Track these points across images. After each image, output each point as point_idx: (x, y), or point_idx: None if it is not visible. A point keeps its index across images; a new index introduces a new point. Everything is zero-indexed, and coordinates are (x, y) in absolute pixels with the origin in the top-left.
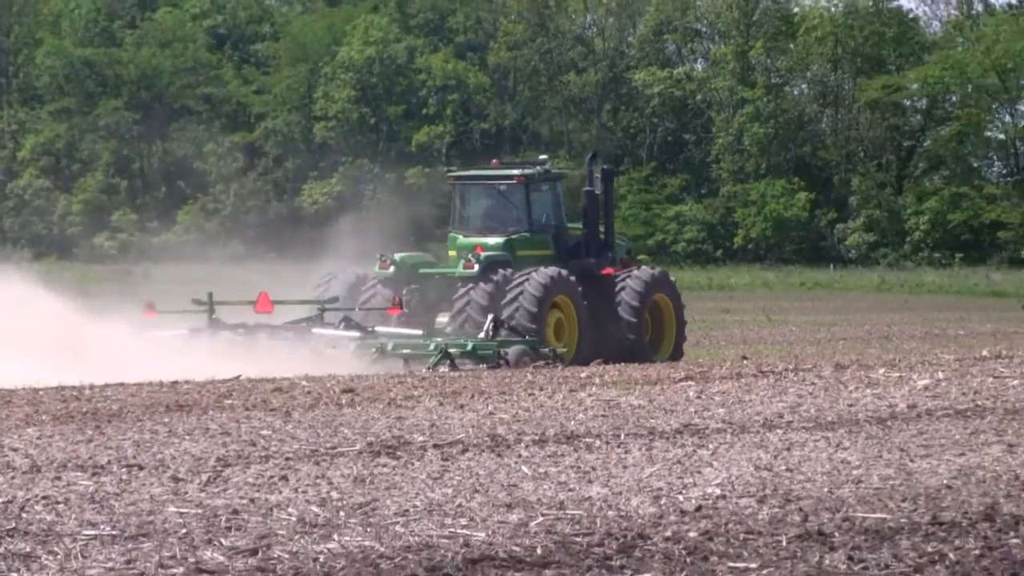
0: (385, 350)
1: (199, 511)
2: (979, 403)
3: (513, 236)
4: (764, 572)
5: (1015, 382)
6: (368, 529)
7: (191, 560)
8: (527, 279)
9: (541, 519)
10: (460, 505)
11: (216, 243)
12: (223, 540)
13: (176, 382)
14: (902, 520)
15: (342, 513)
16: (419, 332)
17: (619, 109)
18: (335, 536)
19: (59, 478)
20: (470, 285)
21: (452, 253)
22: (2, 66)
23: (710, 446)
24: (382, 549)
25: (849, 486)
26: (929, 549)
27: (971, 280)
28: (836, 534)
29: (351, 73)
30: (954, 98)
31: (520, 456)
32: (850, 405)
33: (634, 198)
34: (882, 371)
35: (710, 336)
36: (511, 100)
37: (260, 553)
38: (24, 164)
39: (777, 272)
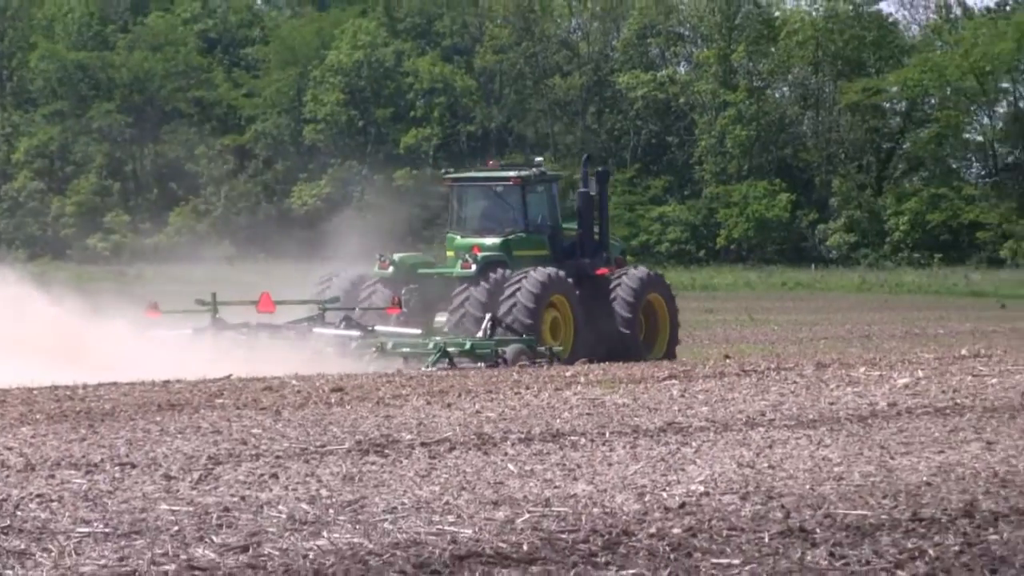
0: (385, 349)
1: (191, 509)
2: (958, 401)
3: (510, 237)
4: (747, 568)
5: (994, 380)
6: (357, 526)
7: (183, 557)
8: (524, 279)
9: (527, 516)
10: (447, 502)
11: (207, 244)
12: (214, 537)
13: (168, 381)
14: (883, 517)
15: (331, 510)
16: (418, 331)
17: (603, 112)
18: (324, 533)
19: (53, 476)
20: (468, 285)
21: (450, 253)
22: None
23: (693, 444)
24: (371, 546)
25: (830, 483)
26: (909, 545)
27: (950, 280)
28: (818, 530)
29: (340, 76)
30: (933, 100)
31: (506, 454)
32: (831, 403)
33: (618, 199)
34: (863, 370)
35: (693, 335)
36: (497, 103)
37: (251, 550)
38: (18, 166)
39: (759, 272)
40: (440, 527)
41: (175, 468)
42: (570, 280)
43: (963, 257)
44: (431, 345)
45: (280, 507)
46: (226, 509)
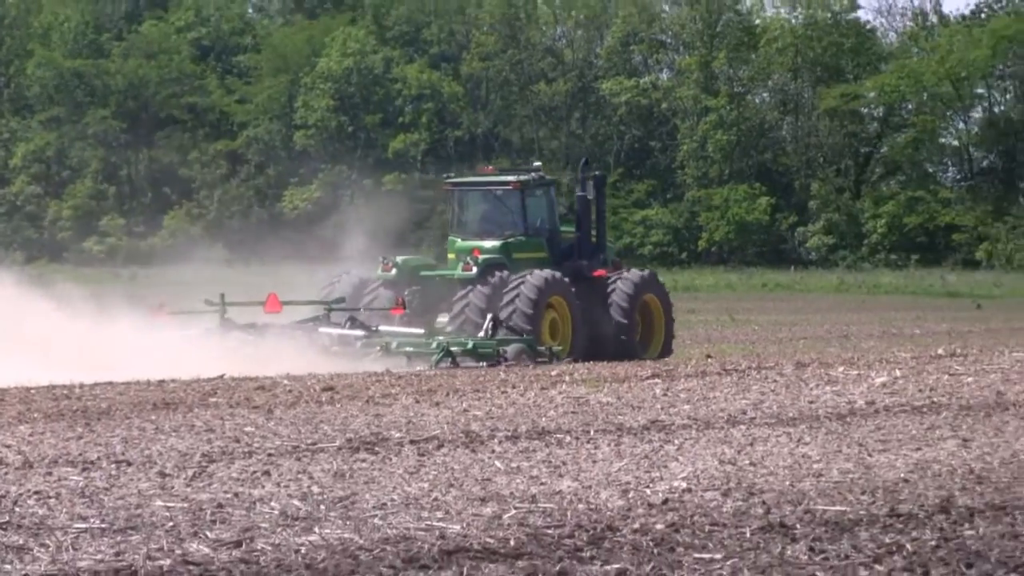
0: (389, 348)
1: (185, 505)
2: (935, 400)
3: (509, 239)
4: (728, 563)
5: (969, 379)
6: (348, 522)
7: (178, 552)
8: (523, 281)
9: (514, 512)
10: (436, 499)
11: (201, 247)
12: (208, 533)
13: (163, 381)
14: (861, 512)
15: (323, 507)
16: (421, 331)
17: (587, 117)
18: (316, 529)
19: (50, 473)
20: (469, 287)
21: (451, 256)
22: None
23: (676, 441)
24: (361, 541)
25: (810, 480)
26: (887, 540)
27: (926, 281)
28: (797, 526)
29: (330, 83)
30: (910, 106)
31: (493, 451)
32: (811, 402)
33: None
34: (841, 369)
35: (676, 336)
36: (484, 109)
37: (244, 545)
38: (16, 171)
39: (740, 274)
40: (429, 523)
41: (170, 465)
42: (568, 282)
43: (939, 259)
44: (434, 345)
45: (272, 503)
46: (220, 505)
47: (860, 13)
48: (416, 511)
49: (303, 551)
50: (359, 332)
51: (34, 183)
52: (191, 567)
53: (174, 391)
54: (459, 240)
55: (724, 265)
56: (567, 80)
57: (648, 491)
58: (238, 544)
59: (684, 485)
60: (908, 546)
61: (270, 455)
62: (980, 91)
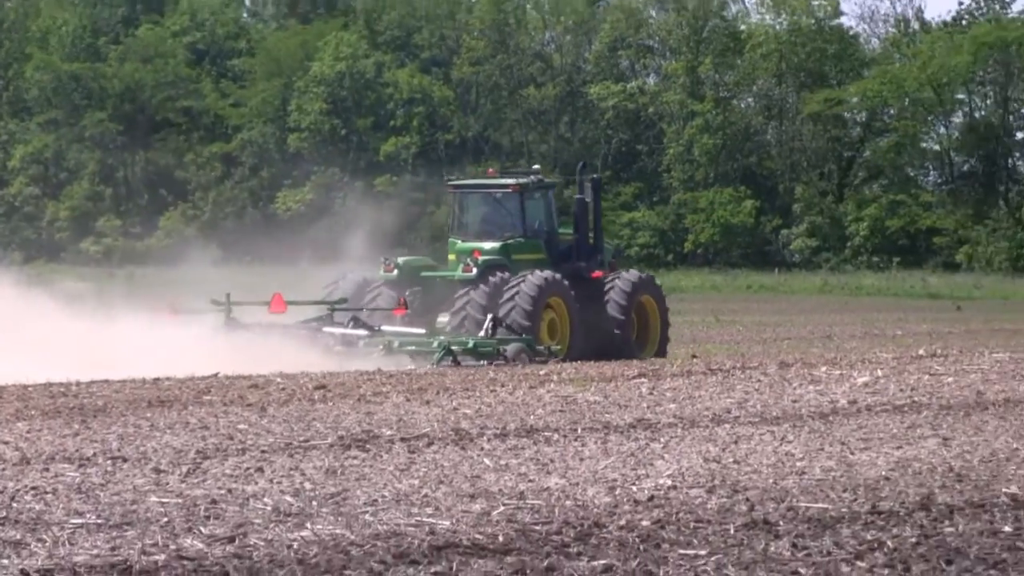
0: (392, 347)
1: (179, 501)
2: (916, 399)
3: (509, 241)
4: (713, 559)
5: (950, 379)
6: (339, 518)
7: (172, 547)
8: (522, 281)
9: (503, 508)
10: (426, 495)
11: (195, 247)
12: (202, 528)
13: (158, 379)
14: (843, 509)
15: (315, 503)
16: (423, 331)
17: (576, 121)
18: (308, 524)
19: (47, 470)
20: (469, 287)
21: (452, 257)
22: None
23: (662, 440)
24: (352, 537)
25: (793, 477)
26: (868, 537)
27: (908, 283)
28: (781, 523)
29: (323, 87)
30: (892, 111)
31: (482, 449)
32: (794, 401)
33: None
34: (824, 369)
35: None
36: (474, 113)
37: (237, 540)
38: (14, 173)
39: (725, 275)
40: (419, 519)
41: (165, 462)
42: (566, 282)
43: (920, 261)
44: (436, 344)
45: (265, 499)
46: (213, 501)
47: (843, 20)
48: (406, 507)
49: (295, 546)
50: (362, 332)
51: (32, 184)
52: (185, 562)
53: (169, 389)
54: (459, 241)
55: (709, 267)
56: (556, 84)
57: (634, 488)
58: (231, 539)
59: (669, 482)
60: (889, 543)
61: (263, 452)
62: (961, 96)
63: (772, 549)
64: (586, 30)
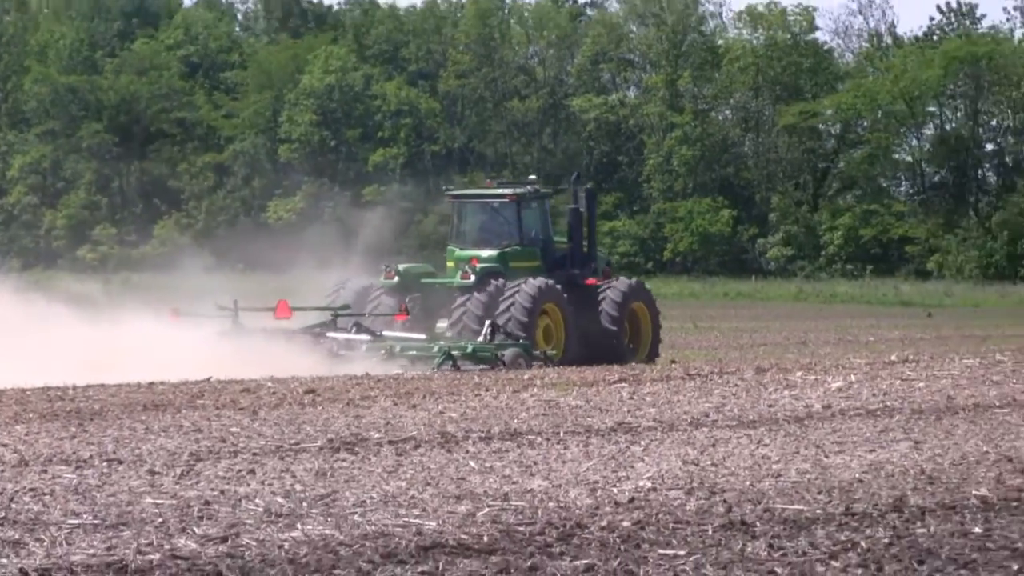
0: (393, 352)
1: (174, 502)
2: (888, 404)
3: (506, 249)
4: (691, 559)
5: (921, 384)
6: (329, 519)
7: (166, 547)
8: (519, 289)
9: (487, 510)
10: (413, 497)
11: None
12: (196, 528)
13: (152, 383)
14: (818, 511)
15: (305, 504)
16: (423, 336)
17: (558, 133)
18: (298, 525)
19: (45, 471)
20: (467, 294)
21: (450, 264)
22: None
23: (642, 443)
24: (341, 537)
25: (769, 480)
26: (842, 538)
27: (881, 290)
28: (757, 524)
29: (312, 99)
30: (865, 123)
31: (468, 452)
32: (770, 405)
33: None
34: (799, 374)
35: None
36: (459, 124)
37: (230, 540)
38: (13, 182)
39: (703, 283)
40: (406, 520)
41: (159, 464)
42: (561, 289)
43: (893, 269)
44: (436, 349)
45: (257, 501)
46: (206, 502)
47: (818, 35)
48: (394, 508)
49: (286, 546)
50: (364, 337)
51: (30, 193)
52: (179, 561)
53: (163, 393)
54: (458, 249)
55: (688, 274)
56: (539, 97)
57: (615, 490)
58: (224, 539)
59: (649, 484)
60: (863, 543)
61: (255, 454)
62: (932, 109)
63: (749, 549)
64: (568, 44)
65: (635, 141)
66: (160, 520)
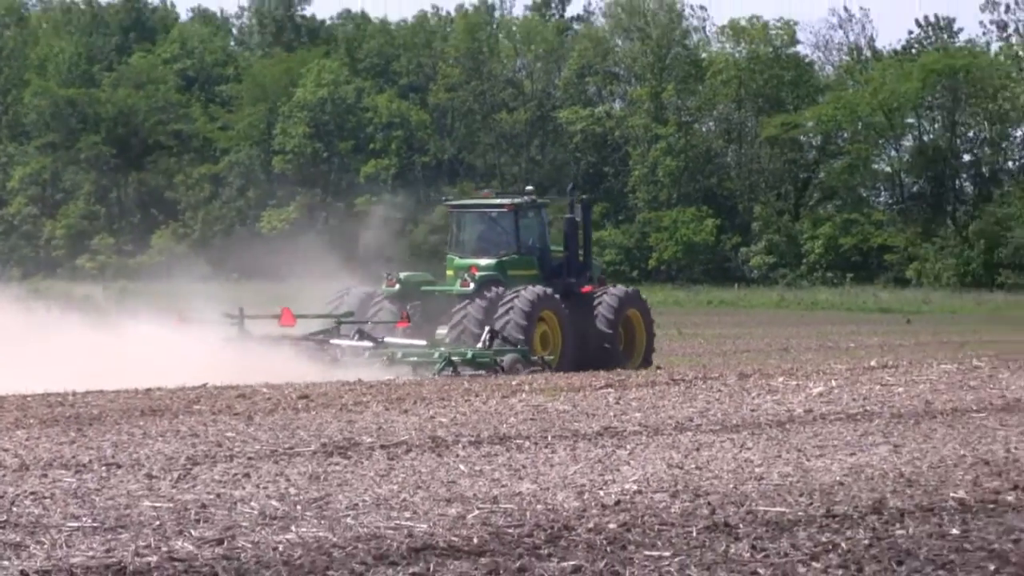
0: (395, 358)
1: (171, 505)
2: (868, 408)
3: (504, 258)
4: (676, 560)
5: (900, 389)
6: (322, 521)
7: (164, 549)
8: (517, 296)
9: (477, 512)
10: (404, 500)
11: (185, 264)
12: (192, 531)
13: (150, 389)
14: (799, 513)
15: (299, 507)
16: (424, 342)
17: (546, 144)
18: (293, 527)
19: (45, 475)
20: (466, 301)
21: (450, 273)
22: None
23: (628, 447)
24: (335, 539)
25: (752, 482)
26: (823, 539)
27: (860, 298)
28: (740, 526)
29: (306, 112)
30: (845, 134)
31: (458, 456)
32: (753, 410)
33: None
34: (781, 379)
35: None
36: (449, 136)
37: (226, 543)
38: (13, 193)
39: (687, 291)
40: (398, 522)
41: (156, 468)
42: (558, 297)
43: (872, 277)
44: (436, 355)
45: (252, 504)
46: (203, 505)
47: (799, 48)
48: (386, 511)
49: (281, 548)
50: (367, 343)
51: (30, 204)
52: (176, 563)
53: (160, 399)
54: (457, 258)
55: (672, 283)
56: (527, 109)
57: (602, 493)
58: (220, 542)
59: (635, 487)
60: (843, 545)
61: (250, 459)
62: (910, 121)
63: (732, 551)
64: (555, 58)
65: (621, 152)
66: (158, 523)
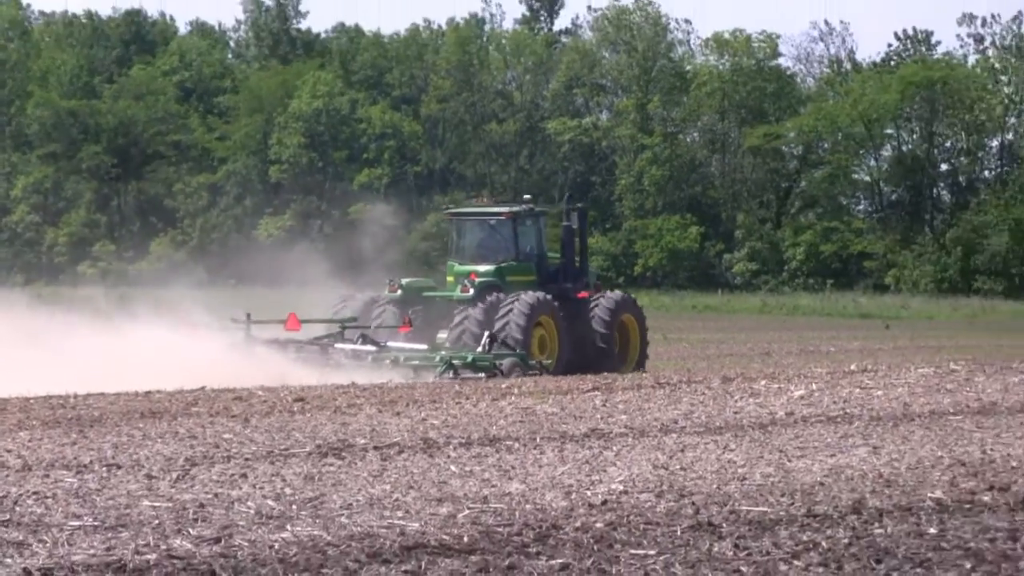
0: (398, 362)
1: (170, 505)
2: (848, 411)
3: (503, 264)
4: (661, 558)
5: (879, 392)
6: (317, 520)
7: (163, 547)
8: (515, 301)
9: (467, 512)
10: (397, 499)
11: (184, 270)
12: (191, 530)
13: (149, 392)
14: (781, 513)
15: (294, 506)
16: (425, 346)
17: (535, 154)
18: (288, 526)
19: (48, 476)
20: (467, 306)
21: (450, 279)
22: None
23: (614, 448)
24: (329, 538)
25: (735, 483)
26: (804, 538)
27: (840, 303)
28: (724, 525)
29: (301, 122)
30: (826, 145)
31: (449, 457)
32: (736, 412)
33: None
34: (763, 383)
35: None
36: (440, 146)
37: (223, 541)
38: (16, 201)
39: (672, 296)
40: (391, 521)
41: (156, 469)
42: (555, 302)
43: (852, 283)
44: (438, 358)
45: (249, 503)
46: (201, 505)
47: (781, 60)
48: (379, 511)
49: (277, 547)
50: (370, 347)
51: (33, 212)
52: (175, 561)
53: (159, 401)
54: (457, 264)
55: (658, 288)
56: (516, 120)
57: (589, 493)
58: (217, 540)
59: (621, 488)
60: (823, 543)
61: (247, 459)
62: (889, 131)
63: (716, 549)
64: (544, 70)
65: (607, 162)
66: (157, 522)
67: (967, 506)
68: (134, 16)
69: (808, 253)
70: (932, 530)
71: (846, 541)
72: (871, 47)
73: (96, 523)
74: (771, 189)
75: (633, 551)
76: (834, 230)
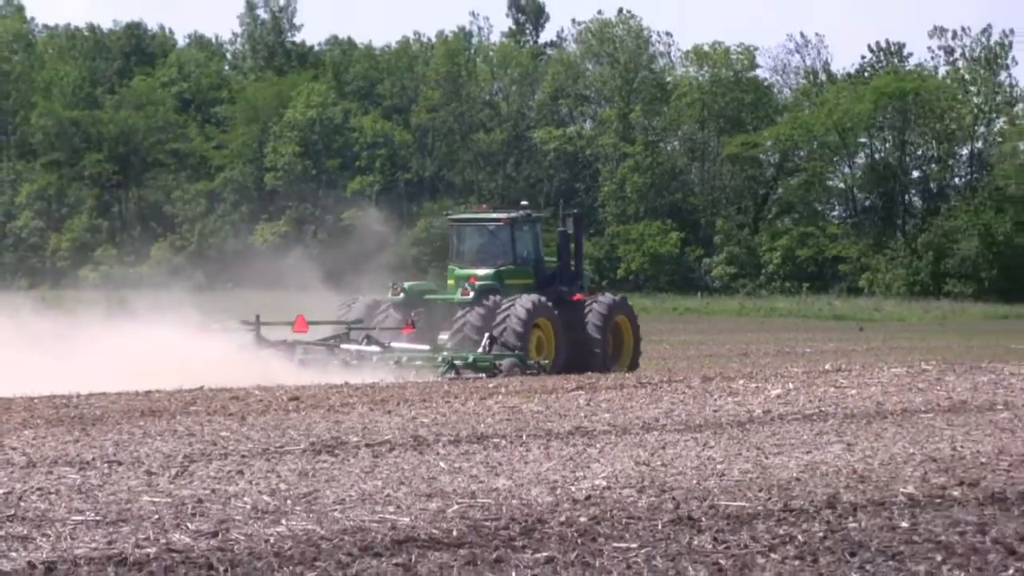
0: (401, 362)
1: (169, 500)
2: (823, 409)
3: (501, 268)
4: (643, 551)
5: (853, 391)
6: (311, 515)
7: (162, 541)
8: (513, 304)
9: (456, 506)
10: (388, 495)
11: (183, 274)
12: (189, 524)
13: (149, 391)
14: (758, 507)
15: (289, 502)
16: (427, 347)
17: (521, 162)
18: (283, 521)
19: (51, 472)
20: (466, 309)
21: (451, 282)
22: (2, 125)
23: (598, 445)
24: (323, 532)
25: (714, 479)
26: (781, 532)
27: (816, 306)
28: (703, 519)
29: (296, 131)
30: (802, 153)
31: (438, 453)
32: (715, 411)
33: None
34: (741, 382)
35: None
36: (430, 155)
37: (220, 535)
38: (21, 208)
39: (653, 299)
40: (382, 516)
41: (155, 465)
42: (552, 305)
43: (827, 286)
44: (440, 359)
45: (245, 499)
46: (199, 500)
47: (759, 72)
48: (371, 506)
49: (272, 540)
50: (375, 348)
51: (37, 218)
52: (174, 554)
53: (159, 400)
54: (457, 268)
55: (639, 292)
56: (503, 130)
57: (573, 488)
58: (215, 534)
59: (604, 483)
60: (799, 537)
61: (243, 456)
62: (863, 140)
63: (695, 542)
64: (530, 81)
65: (591, 169)
66: (156, 517)
67: (938, 501)
68: (135, 29)
69: (784, 257)
70: (904, 524)
71: (821, 535)
72: (845, 59)
73: (98, 518)
74: (749, 196)
75: (616, 544)
76: (810, 235)
